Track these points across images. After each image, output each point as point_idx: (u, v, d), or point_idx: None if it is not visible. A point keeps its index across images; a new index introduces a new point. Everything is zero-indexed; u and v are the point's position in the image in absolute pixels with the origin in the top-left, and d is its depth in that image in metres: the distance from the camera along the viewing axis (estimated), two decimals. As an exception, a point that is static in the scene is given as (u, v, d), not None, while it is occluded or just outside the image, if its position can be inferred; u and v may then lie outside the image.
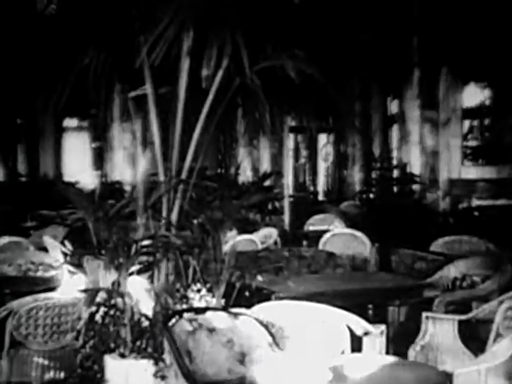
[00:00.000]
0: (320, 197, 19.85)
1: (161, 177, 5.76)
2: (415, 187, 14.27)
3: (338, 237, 9.17)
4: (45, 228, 10.24)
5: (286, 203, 13.38)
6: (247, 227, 9.97)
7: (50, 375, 5.49)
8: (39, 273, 7.18)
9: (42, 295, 5.51)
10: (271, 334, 4.68)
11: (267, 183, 15.67)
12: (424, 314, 5.70)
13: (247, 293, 5.66)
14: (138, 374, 4.89)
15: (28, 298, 5.41)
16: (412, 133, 14.58)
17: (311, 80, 5.63)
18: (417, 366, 4.81)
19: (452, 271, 6.84)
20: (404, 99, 14.82)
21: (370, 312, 6.17)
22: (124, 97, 6.02)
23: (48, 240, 8.44)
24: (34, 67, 6.04)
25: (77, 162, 22.68)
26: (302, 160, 20.50)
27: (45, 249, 8.11)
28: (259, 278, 5.83)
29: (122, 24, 5.63)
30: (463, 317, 5.56)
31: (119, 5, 5.65)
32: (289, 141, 17.91)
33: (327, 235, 9.18)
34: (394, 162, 15.94)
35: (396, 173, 15.18)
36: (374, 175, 16.28)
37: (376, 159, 16.58)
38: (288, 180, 15.03)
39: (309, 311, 4.91)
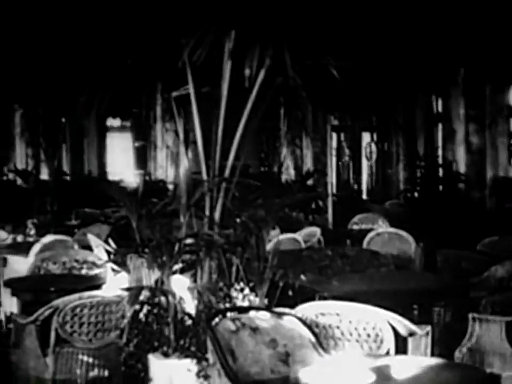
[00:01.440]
0: (364, 196, 19.75)
1: (204, 176, 5.77)
2: (461, 186, 14.09)
3: (382, 236, 9.08)
4: (89, 226, 10.32)
5: (330, 202, 13.32)
6: (290, 226, 9.94)
7: (94, 372, 5.53)
8: (83, 271, 7.24)
9: (87, 293, 5.54)
10: (315, 334, 4.65)
11: (310, 181, 15.64)
12: (470, 315, 5.61)
13: (290, 292, 5.63)
14: (182, 372, 4.89)
15: (73, 296, 5.45)
16: (457, 132, 14.40)
17: (355, 79, 5.59)
18: (463, 368, 4.73)
19: (499, 271, 6.72)
20: (449, 97, 14.64)
21: (415, 312, 6.09)
22: (167, 97, 6.04)
23: (92, 238, 8.51)
24: (78, 67, 6.09)
25: (120, 161, 22.89)
26: (346, 159, 20.42)
27: (89, 248, 8.17)
28: (302, 277, 5.80)
29: (165, 24, 5.64)
30: (511, 318, 5.45)
31: (162, 6, 5.66)
32: (332, 140, 17.83)
33: (370, 234, 9.10)
34: (439, 160, 15.76)
35: (440, 172, 15.01)
36: (418, 173, 16.11)
37: (421, 158, 16.41)
38: (332, 178, 14.97)
39: (352, 310, 4.87)
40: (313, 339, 4.60)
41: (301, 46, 5.36)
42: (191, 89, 5.74)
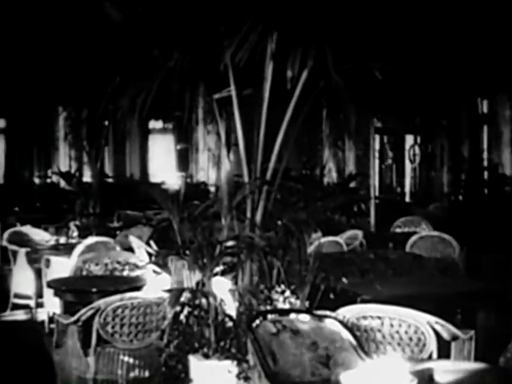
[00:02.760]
0: (407, 199, 19.55)
1: (246, 178, 5.76)
2: (507, 189, 13.88)
3: (425, 239, 8.98)
4: (131, 228, 10.39)
5: (372, 205, 13.22)
6: (332, 229, 9.89)
7: (135, 373, 5.56)
8: (125, 273, 7.28)
9: (128, 294, 5.58)
10: (356, 337, 4.61)
11: (352, 184, 15.54)
12: (515, 319, 5.53)
13: (331, 295, 5.60)
14: (222, 374, 4.89)
15: (114, 297, 5.49)
16: (504, 133, 14.20)
17: (398, 81, 5.54)
18: (507, 373, 4.65)
19: (545, 275, 6.61)
20: (495, 99, 14.45)
21: (458, 316, 6.00)
22: (209, 99, 6.05)
23: (133, 240, 8.56)
24: (121, 70, 6.12)
25: (162, 164, 23.00)
26: (389, 161, 20.25)
27: (130, 249, 8.22)
28: (344, 280, 5.76)
29: (207, 27, 5.65)
30: (557, 324, 5.36)
31: (204, 9, 5.67)
32: (375, 142, 17.68)
33: (413, 237, 9.01)
34: (485, 163, 15.55)
35: (486, 175, 14.82)
36: (463, 176, 15.92)
37: (466, 160, 16.21)
38: (374, 181, 14.85)
39: (394, 314, 4.81)
40: (354, 342, 4.56)
41: (344, 47, 5.32)
42: (233, 91, 5.74)
